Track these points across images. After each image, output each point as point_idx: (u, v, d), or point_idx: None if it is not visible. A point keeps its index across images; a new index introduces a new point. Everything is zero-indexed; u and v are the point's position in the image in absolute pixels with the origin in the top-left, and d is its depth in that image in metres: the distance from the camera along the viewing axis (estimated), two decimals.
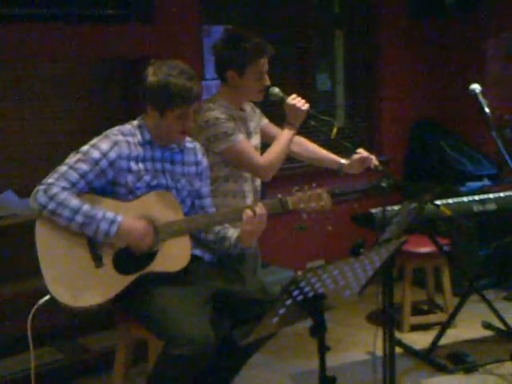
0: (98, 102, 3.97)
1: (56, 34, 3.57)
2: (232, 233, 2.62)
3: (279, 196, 2.57)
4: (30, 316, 2.45)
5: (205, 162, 2.70)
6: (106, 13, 3.77)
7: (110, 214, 2.41)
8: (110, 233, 2.40)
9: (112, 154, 2.45)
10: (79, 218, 2.37)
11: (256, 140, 3.03)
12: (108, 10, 3.78)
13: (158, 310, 2.39)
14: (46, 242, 2.40)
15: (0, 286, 3.41)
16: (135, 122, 2.58)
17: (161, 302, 2.40)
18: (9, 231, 3.39)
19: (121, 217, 2.42)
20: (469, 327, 4.06)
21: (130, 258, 2.46)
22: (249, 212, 2.50)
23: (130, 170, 2.48)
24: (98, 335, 3.69)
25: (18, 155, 3.73)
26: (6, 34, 3.38)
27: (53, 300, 2.40)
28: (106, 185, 2.48)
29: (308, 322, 2.17)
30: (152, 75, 2.46)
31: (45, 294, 2.41)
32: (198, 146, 2.70)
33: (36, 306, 2.45)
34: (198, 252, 2.66)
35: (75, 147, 2.51)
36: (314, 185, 2.60)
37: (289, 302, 2.07)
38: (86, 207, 2.39)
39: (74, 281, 2.40)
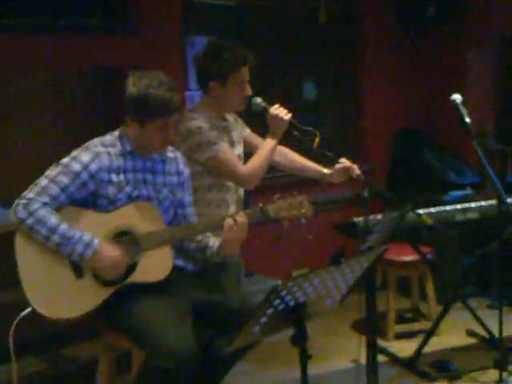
0: (83, 113, 3.96)
1: (40, 45, 3.57)
2: (213, 242, 2.62)
3: (260, 204, 2.57)
4: (12, 328, 2.44)
5: (186, 171, 2.70)
6: (91, 24, 3.78)
7: (86, 237, 2.38)
8: (84, 256, 2.37)
9: (93, 166, 2.43)
10: (55, 238, 2.34)
11: (239, 150, 3.04)
12: (92, 21, 3.79)
13: (139, 320, 2.39)
14: (25, 253, 2.38)
15: None
16: (116, 133, 2.57)
17: (142, 313, 2.40)
18: None
19: (98, 241, 2.39)
20: (453, 335, 4.07)
21: None
22: (230, 220, 2.50)
23: (111, 182, 2.47)
24: (81, 345, 3.67)
25: (1, 165, 3.72)
26: None
27: (34, 312, 2.38)
28: (87, 196, 2.46)
29: (291, 331, 2.17)
30: (132, 86, 2.46)
31: (26, 306, 2.39)
32: (179, 155, 2.69)
33: (18, 319, 2.44)
34: (180, 262, 2.66)
35: (59, 158, 2.49)
36: (295, 192, 2.60)
37: (270, 311, 2.08)
38: (63, 227, 2.36)
39: (54, 293, 2.39)
